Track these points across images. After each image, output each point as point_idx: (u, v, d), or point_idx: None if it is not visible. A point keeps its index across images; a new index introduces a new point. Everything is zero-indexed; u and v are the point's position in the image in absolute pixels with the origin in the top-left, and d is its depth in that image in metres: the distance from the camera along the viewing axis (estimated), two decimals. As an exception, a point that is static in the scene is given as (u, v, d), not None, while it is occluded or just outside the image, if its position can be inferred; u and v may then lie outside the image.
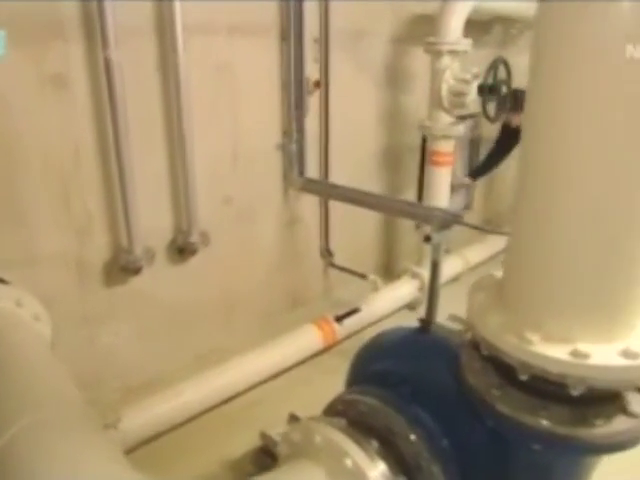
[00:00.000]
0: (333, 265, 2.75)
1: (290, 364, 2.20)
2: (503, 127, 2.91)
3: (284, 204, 2.50)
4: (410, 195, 3.03)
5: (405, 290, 2.68)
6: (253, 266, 2.46)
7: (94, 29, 1.71)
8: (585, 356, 0.80)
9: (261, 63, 2.23)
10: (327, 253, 2.71)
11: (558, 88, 0.77)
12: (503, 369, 0.90)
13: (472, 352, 0.98)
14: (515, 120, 2.80)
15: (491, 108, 2.45)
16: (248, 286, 2.46)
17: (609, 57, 0.70)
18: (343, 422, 1.02)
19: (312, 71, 2.36)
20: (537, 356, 0.82)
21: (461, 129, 2.56)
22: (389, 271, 3.10)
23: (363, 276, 2.67)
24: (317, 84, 2.36)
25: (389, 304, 2.57)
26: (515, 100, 2.60)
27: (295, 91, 2.29)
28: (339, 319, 2.34)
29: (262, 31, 2.19)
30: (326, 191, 2.46)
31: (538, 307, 0.86)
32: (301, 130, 2.36)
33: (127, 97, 1.79)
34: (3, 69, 1.59)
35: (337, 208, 2.58)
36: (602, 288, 0.81)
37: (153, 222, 2.03)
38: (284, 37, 2.23)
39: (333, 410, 1.12)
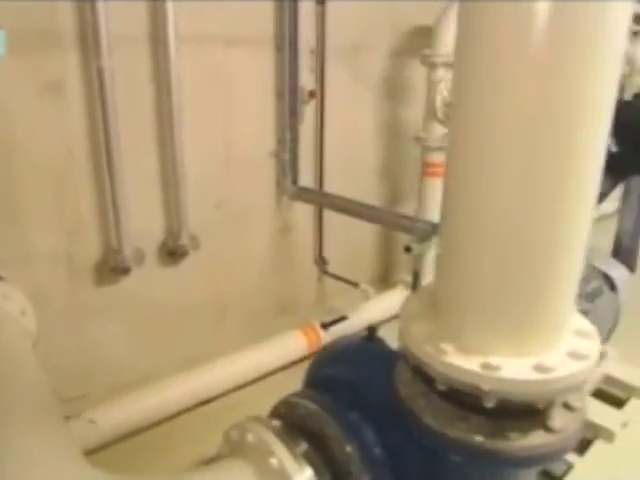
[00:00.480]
0: (327, 273, 2.77)
1: (273, 368, 2.23)
2: None
3: (277, 211, 2.54)
4: (411, 207, 3.02)
5: (396, 300, 2.68)
6: (245, 271, 2.50)
7: (89, 38, 1.79)
8: (495, 368, 0.80)
9: (256, 72, 2.29)
10: (321, 261, 2.74)
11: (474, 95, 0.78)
12: (427, 380, 0.91)
13: (405, 362, 0.99)
14: None
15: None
16: (239, 291, 2.50)
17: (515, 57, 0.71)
18: (278, 423, 1.05)
19: (308, 81, 2.40)
20: (449, 366, 0.83)
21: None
22: (386, 281, 3.10)
23: (356, 285, 2.68)
24: (312, 94, 2.40)
25: (378, 313, 2.57)
26: None
27: (289, 100, 2.34)
28: (325, 326, 2.36)
29: (257, 41, 2.25)
30: (319, 200, 2.49)
31: (456, 318, 0.87)
32: (295, 139, 2.40)
33: (120, 103, 1.87)
34: (2, 75, 1.68)
35: (334, 216, 2.61)
36: (516, 301, 0.82)
37: (144, 224, 2.10)
38: (279, 47, 2.28)
39: (277, 411, 1.15)
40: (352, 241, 2.86)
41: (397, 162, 2.96)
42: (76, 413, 1.90)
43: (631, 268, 3.44)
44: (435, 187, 2.64)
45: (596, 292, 1.77)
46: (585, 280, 1.76)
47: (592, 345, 0.89)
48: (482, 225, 0.81)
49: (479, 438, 0.85)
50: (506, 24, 0.72)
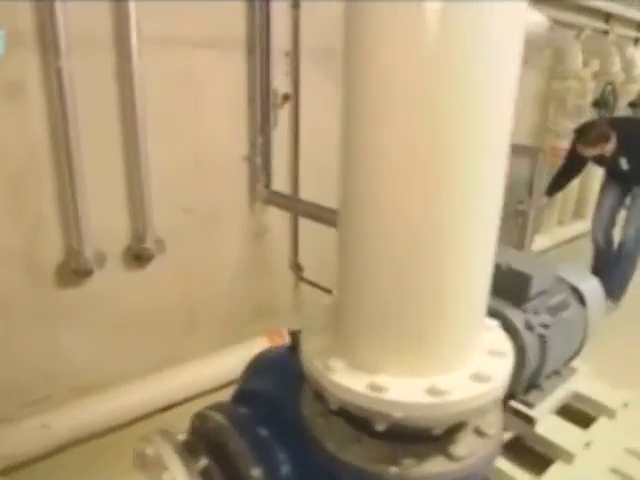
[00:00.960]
0: (303, 279, 2.72)
1: (237, 376, 2.18)
2: (575, 154, 3.16)
3: (250, 215, 2.50)
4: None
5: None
6: (216, 276, 2.46)
7: (49, 38, 1.77)
8: (382, 389, 0.75)
9: (227, 75, 2.26)
10: (296, 267, 2.69)
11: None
12: (322, 398, 0.86)
13: (311, 378, 0.94)
14: (588, 152, 3.04)
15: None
16: (210, 296, 2.47)
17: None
18: (183, 437, 1.00)
19: (283, 84, 2.37)
20: (336, 385, 0.78)
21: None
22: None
23: (330, 292, 2.62)
24: (286, 97, 2.36)
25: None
26: (593, 132, 2.97)
27: (261, 103, 2.30)
28: (293, 333, 2.30)
29: (229, 43, 2.22)
30: (291, 205, 2.44)
31: (350, 332, 0.82)
32: (267, 142, 2.37)
33: (82, 105, 1.86)
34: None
35: (309, 221, 2.56)
36: (408, 317, 0.76)
37: (107, 226, 2.07)
38: (251, 50, 2.24)
39: (192, 423, 1.11)
40: (329, 246, 2.79)
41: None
42: (40, 414, 1.89)
43: (632, 272, 3.43)
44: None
45: (561, 305, 1.69)
46: (549, 293, 1.68)
47: (501, 366, 0.83)
48: (374, 234, 0.76)
49: (370, 463, 0.80)
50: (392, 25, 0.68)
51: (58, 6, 1.72)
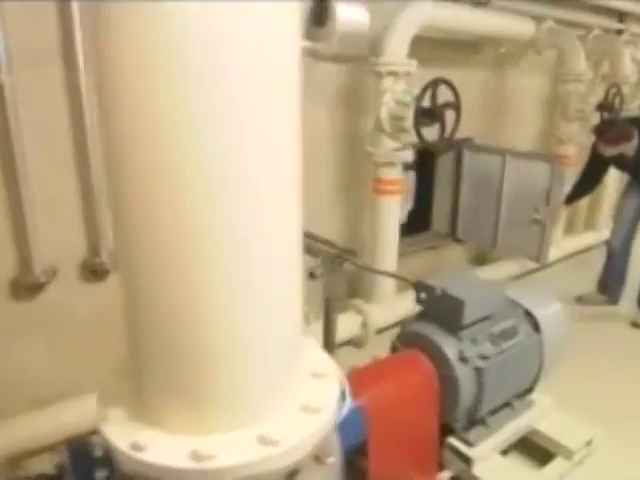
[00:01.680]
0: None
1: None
2: (596, 156, 3.00)
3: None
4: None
5: (341, 326, 2.50)
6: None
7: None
8: (141, 449, 0.66)
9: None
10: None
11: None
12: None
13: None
14: (609, 151, 2.86)
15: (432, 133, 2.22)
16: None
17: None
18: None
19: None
20: (104, 437, 0.70)
21: (407, 155, 2.36)
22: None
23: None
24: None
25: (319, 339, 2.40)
26: (614, 130, 2.82)
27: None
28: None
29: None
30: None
31: (134, 379, 0.74)
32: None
33: (29, 118, 1.86)
34: None
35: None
36: (175, 370, 0.67)
37: (61, 241, 2.06)
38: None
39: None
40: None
41: (359, 177, 2.78)
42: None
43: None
44: (383, 204, 2.45)
45: (507, 333, 1.53)
46: (493, 319, 1.53)
47: (307, 425, 0.72)
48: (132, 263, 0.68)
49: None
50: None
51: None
